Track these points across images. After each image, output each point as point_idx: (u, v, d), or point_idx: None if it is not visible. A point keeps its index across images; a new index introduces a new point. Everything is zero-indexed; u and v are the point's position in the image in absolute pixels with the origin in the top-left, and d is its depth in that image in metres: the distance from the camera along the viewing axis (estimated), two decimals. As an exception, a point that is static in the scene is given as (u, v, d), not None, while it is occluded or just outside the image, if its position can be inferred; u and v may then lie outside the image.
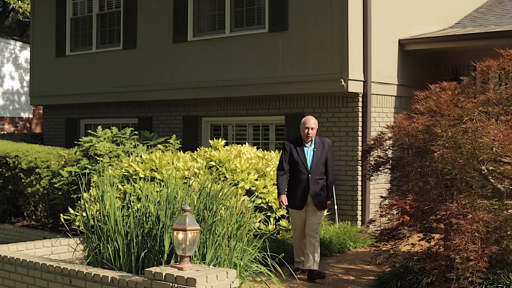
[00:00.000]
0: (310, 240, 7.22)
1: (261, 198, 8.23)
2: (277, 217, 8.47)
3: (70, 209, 8.17)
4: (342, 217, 9.94)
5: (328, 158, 7.36)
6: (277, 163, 8.89)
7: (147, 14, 12.54)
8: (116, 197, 6.63)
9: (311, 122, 7.31)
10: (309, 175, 7.24)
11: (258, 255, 6.20)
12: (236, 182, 8.17)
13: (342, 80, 9.74)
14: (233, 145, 9.40)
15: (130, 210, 6.11)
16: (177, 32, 11.97)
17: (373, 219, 7.27)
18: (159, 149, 9.78)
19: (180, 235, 5.18)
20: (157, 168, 8.32)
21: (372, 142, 7.69)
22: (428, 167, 6.63)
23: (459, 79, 7.95)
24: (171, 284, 5.03)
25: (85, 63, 13.67)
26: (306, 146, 7.32)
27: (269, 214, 8.30)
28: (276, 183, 7.46)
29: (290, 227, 8.48)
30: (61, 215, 7.22)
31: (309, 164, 7.26)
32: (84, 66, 13.67)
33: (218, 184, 6.72)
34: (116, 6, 13.22)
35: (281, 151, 7.46)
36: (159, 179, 8.08)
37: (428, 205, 6.32)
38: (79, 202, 7.73)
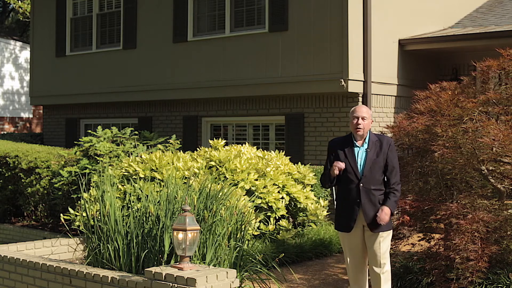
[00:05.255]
0: (376, 273, 5.54)
1: (261, 198, 8.22)
2: (277, 217, 8.46)
3: (70, 209, 8.16)
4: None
5: (388, 161, 5.52)
6: (277, 163, 8.91)
7: (147, 14, 12.54)
8: (116, 197, 6.61)
9: (362, 110, 5.56)
10: (361, 184, 5.47)
11: (258, 255, 6.20)
12: (236, 182, 8.16)
13: (342, 80, 9.74)
14: (233, 145, 9.38)
15: (130, 210, 6.10)
16: (177, 32, 11.97)
17: (373, 219, 7.27)
18: (159, 149, 9.77)
19: (180, 235, 5.18)
20: (157, 168, 8.31)
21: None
22: (428, 167, 6.64)
23: (459, 79, 7.95)
24: (171, 284, 5.03)
25: (85, 63, 13.67)
26: (356, 146, 5.57)
27: (269, 214, 8.29)
28: (321, 181, 5.78)
29: (290, 227, 8.47)
30: (61, 215, 7.20)
31: (360, 169, 5.50)
32: (84, 66, 13.67)
33: (218, 184, 6.71)
34: (116, 6, 13.22)
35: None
36: (159, 179, 8.07)
37: (428, 205, 6.32)
38: (79, 202, 7.72)
